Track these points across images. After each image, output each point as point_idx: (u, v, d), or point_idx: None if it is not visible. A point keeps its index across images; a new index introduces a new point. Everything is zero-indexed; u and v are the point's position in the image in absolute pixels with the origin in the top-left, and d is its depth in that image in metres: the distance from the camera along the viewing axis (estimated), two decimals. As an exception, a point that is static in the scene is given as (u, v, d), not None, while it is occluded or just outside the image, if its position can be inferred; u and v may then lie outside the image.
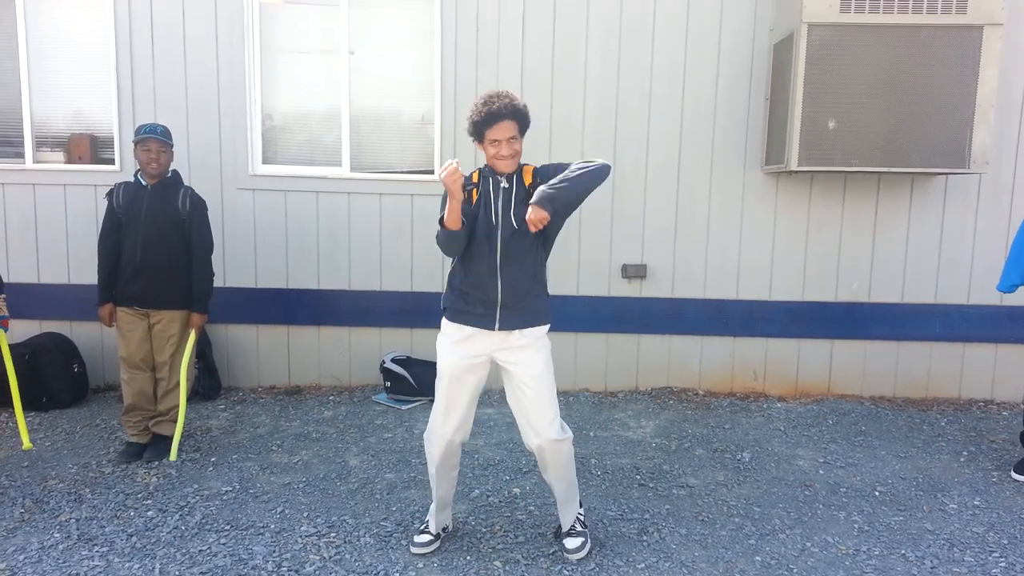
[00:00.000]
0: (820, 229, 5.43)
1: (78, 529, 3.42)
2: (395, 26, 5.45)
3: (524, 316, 3.05)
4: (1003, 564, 3.22)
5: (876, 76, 4.74)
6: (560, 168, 2.98)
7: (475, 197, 3.04)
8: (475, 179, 3.08)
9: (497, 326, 3.03)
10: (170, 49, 5.32)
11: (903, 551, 3.32)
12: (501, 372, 3.13)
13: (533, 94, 5.25)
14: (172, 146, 4.27)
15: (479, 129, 2.99)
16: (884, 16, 4.68)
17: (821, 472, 4.19)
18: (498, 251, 3.00)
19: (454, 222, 2.90)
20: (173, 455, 4.25)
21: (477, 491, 3.87)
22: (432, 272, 5.47)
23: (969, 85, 4.72)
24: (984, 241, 5.38)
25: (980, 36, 4.68)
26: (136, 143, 4.18)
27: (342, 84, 5.42)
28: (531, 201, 2.83)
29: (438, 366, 3.14)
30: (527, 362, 3.06)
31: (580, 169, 2.89)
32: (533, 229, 2.82)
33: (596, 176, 2.90)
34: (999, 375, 5.45)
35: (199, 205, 4.30)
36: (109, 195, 4.28)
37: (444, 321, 3.16)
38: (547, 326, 3.14)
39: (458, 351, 3.08)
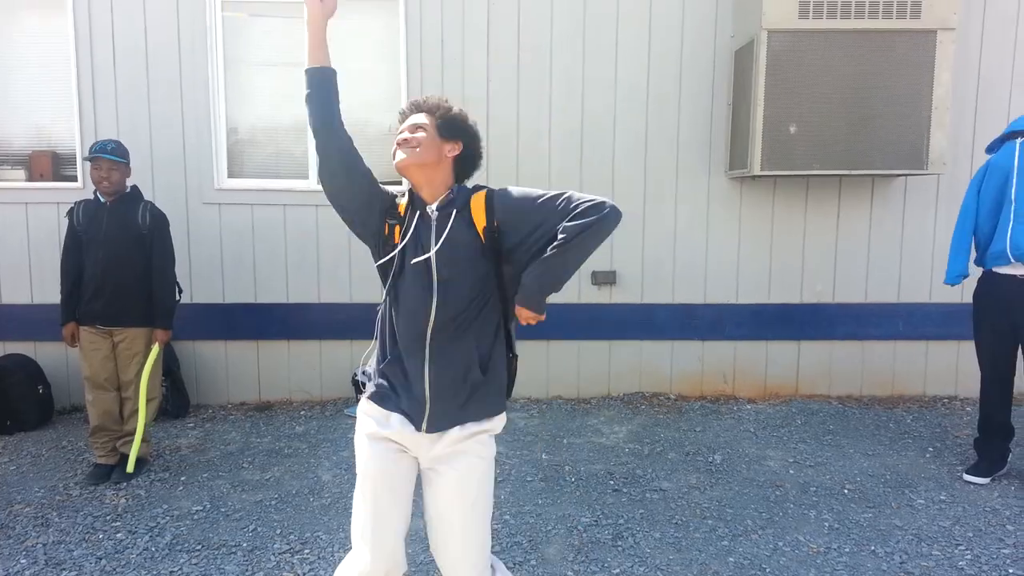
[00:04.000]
0: (784, 232, 5.51)
1: (45, 554, 3.36)
2: (360, 39, 5.44)
3: (462, 412, 2.16)
4: (969, 556, 3.29)
5: (835, 81, 4.83)
6: (529, 202, 2.10)
7: (397, 234, 2.15)
8: (401, 209, 2.19)
9: (425, 426, 2.14)
10: (132, 64, 5.27)
11: (873, 547, 3.38)
12: (423, 482, 2.26)
13: (499, 104, 5.28)
14: (126, 162, 4.19)
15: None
16: (842, 22, 4.77)
17: (791, 472, 4.25)
18: (430, 322, 2.09)
19: (314, 55, 2.21)
20: (130, 467, 4.17)
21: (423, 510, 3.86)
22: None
23: (925, 88, 4.84)
24: (943, 240, 5.47)
25: (934, 40, 4.80)
26: (88, 161, 4.15)
27: (307, 97, 5.40)
28: (517, 297, 2.10)
29: (358, 468, 2.22)
30: (456, 481, 2.17)
31: (579, 229, 2.01)
32: (524, 323, 2.14)
33: (602, 235, 2.06)
34: (962, 371, 5.55)
35: (159, 219, 4.26)
36: (69, 213, 4.23)
37: (363, 404, 2.25)
38: (499, 420, 2.24)
39: (379, 442, 2.18)
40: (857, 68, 4.83)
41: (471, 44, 5.33)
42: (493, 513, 3.69)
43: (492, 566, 2.30)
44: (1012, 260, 3.90)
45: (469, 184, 2.25)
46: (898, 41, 4.81)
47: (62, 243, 4.29)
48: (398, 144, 2.14)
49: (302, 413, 5.32)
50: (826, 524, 3.61)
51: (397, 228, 2.16)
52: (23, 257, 5.36)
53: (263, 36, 5.44)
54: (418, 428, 2.14)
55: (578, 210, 2.04)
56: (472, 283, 2.10)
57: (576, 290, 5.45)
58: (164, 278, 4.24)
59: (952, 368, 5.57)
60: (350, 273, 5.48)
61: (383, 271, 2.17)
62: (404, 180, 2.22)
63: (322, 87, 2.18)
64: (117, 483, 4.12)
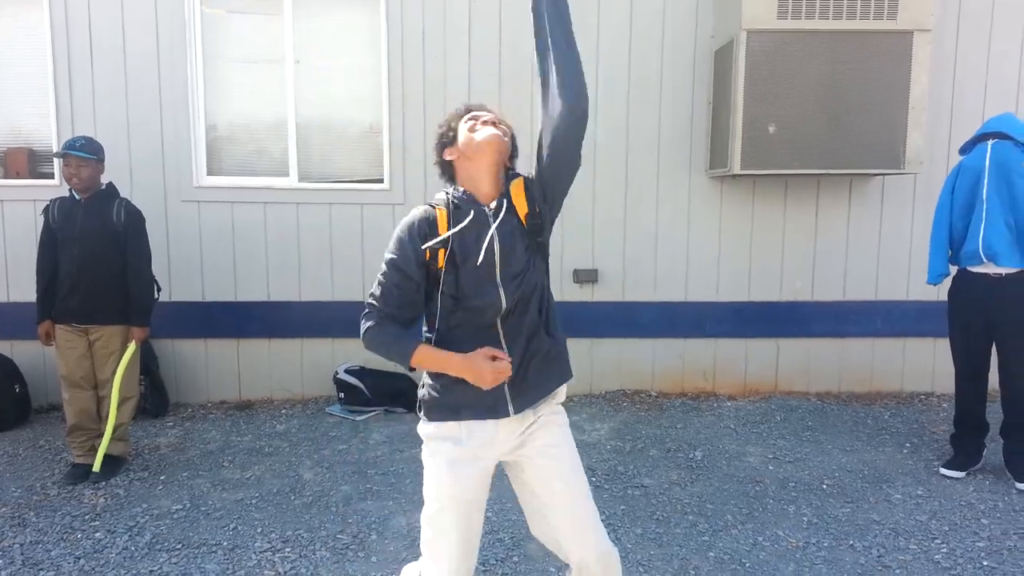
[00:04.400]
0: (764, 230, 5.56)
1: (22, 554, 3.33)
2: (340, 35, 5.42)
3: (544, 380, 2.21)
4: (945, 550, 3.33)
5: (814, 81, 4.88)
6: (538, 178, 2.22)
7: (442, 259, 2.12)
8: (441, 221, 2.14)
9: (511, 409, 2.16)
10: (110, 60, 5.22)
11: (851, 542, 3.42)
12: (508, 471, 2.32)
13: (481, 100, 5.28)
14: (97, 159, 4.16)
15: (452, 126, 2.22)
16: (820, 22, 4.82)
17: (770, 468, 4.29)
18: (502, 307, 2.12)
19: (427, 363, 2.14)
20: (96, 466, 4.12)
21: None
22: (384, 281, 5.44)
23: (902, 89, 4.89)
24: (920, 239, 5.55)
25: (911, 41, 4.85)
26: (59, 159, 4.12)
27: (288, 93, 5.38)
28: None
29: (430, 496, 2.20)
30: (553, 448, 2.21)
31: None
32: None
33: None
34: (938, 368, 5.61)
35: (134, 216, 4.22)
36: (45, 211, 4.20)
37: (426, 426, 2.23)
38: (565, 386, 2.30)
39: (460, 465, 2.16)
40: (835, 68, 4.88)
41: (452, 43, 5.33)
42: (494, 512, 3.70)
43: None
44: (984, 259, 3.97)
45: None
46: (875, 42, 4.87)
47: (38, 241, 4.24)
48: (483, 123, 2.16)
49: (283, 412, 5.30)
50: (805, 519, 3.65)
51: (441, 251, 2.13)
52: (-1, 255, 5.30)
53: (242, 32, 5.40)
54: (504, 415, 2.15)
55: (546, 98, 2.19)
56: (525, 263, 2.14)
57: (558, 288, 5.46)
58: (140, 276, 4.21)
59: (929, 365, 5.64)
60: (332, 271, 5.46)
61: (432, 286, 2.16)
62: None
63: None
64: (96, 483, 4.08)
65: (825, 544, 3.40)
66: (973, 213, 4.04)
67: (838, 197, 5.55)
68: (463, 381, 2.10)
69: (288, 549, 3.37)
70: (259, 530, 3.56)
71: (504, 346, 2.14)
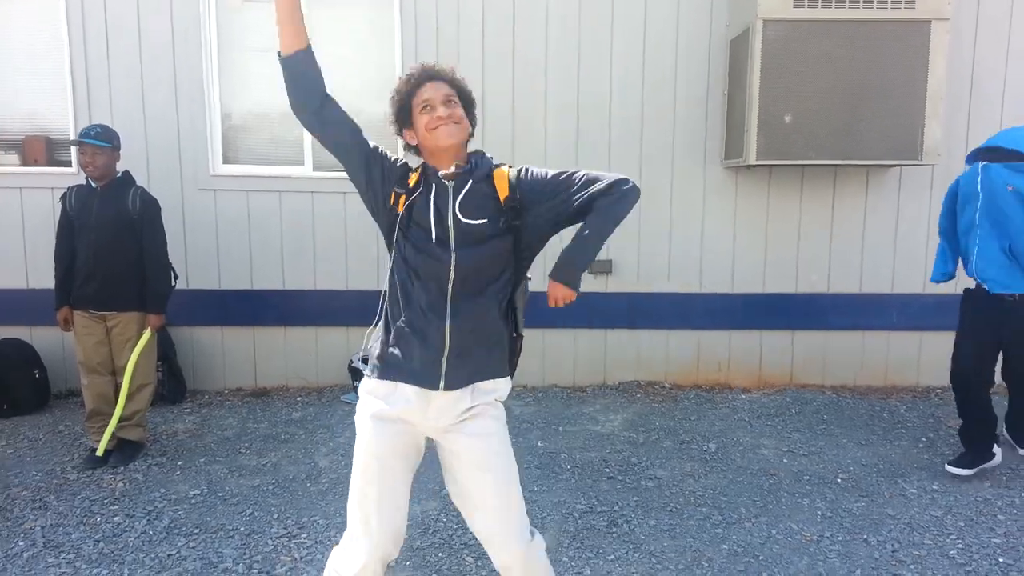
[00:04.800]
0: (779, 222, 5.53)
1: (43, 536, 3.38)
2: (355, 25, 5.42)
3: (482, 365, 2.18)
4: (960, 545, 3.32)
5: (830, 71, 4.84)
6: (551, 181, 2.18)
7: (402, 203, 2.16)
8: (411, 181, 2.19)
9: (443, 383, 2.14)
10: (126, 49, 5.24)
11: (865, 536, 3.41)
12: (441, 459, 2.28)
13: (494, 94, 5.28)
14: (112, 147, 4.17)
15: (404, 104, 2.20)
16: (836, 11, 4.77)
17: (785, 461, 4.28)
18: (450, 276, 2.11)
19: (287, 38, 2.25)
20: (100, 450, 4.15)
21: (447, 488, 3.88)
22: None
23: (919, 78, 4.84)
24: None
25: (928, 30, 4.80)
26: (75, 147, 4.16)
27: (304, 83, 5.38)
28: (552, 275, 2.14)
29: (356, 453, 2.21)
30: (480, 436, 2.18)
31: (609, 202, 2.13)
32: (553, 304, 2.16)
33: (628, 207, 2.18)
34: (954, 362, 5.59)
35: (149, 204, 4.24)
36: (62, 198, 4.24)
37: (366, 382, 2.24)
38: (505, 384, 2.25)
39: (383, 423, 2.17)
40: (852, 58, 4.83)
41: (465, 34, 5.32)
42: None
43: (532, 531, 2.26)
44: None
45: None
46: (892, 31, 4.82)
47: (56, 228, 4.28)
48: (442, 120, 2.13)
49: (299, 399, 5.33)
50: (819, 513, 3.65)
51: (403, 197, 2.16)
52: (18, 242, 5.35)
53: (258, 21, 5.41)
54: (435, 387, 2.13)
55: (603, 184, 2.14)
56: (490, 248, 2.13)
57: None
58: (155, 263, 4.24)
59: (946, 359, 5.55)
60: (346, 260, 5.48)
61: (390, 235, 2.19)
62: (401, 151, 2.33)
63: (298, 70, 2.28)
64: (114, 467, 4.13)
65: (839, 538, 3.40)
66: (970, 236, 4.00)
67: (855, 188, 5.51)
68: (407, 343, 2.14)
69: (304, 535, 3.41)
70: (275, 516, 3.59)
71: (447, 313, 2.11)
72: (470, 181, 2.16)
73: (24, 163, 5.37)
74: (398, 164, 2.24)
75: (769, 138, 4.91)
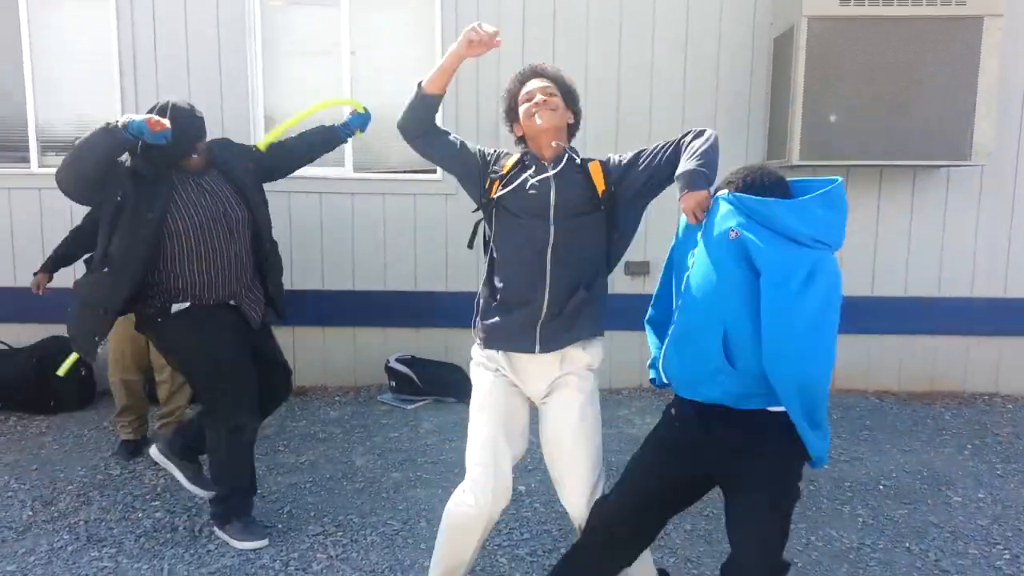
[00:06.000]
0: (823, 223, 5.42)
1: (87, 530, 3.46)
2: (396, 26, 5.46)
3: (575, 328, 2.44)
4: (1007, 556, 3.23)
5: (877, 69, 4.74)
6: (636, 161, 2.47)
7: (496, 187, 2.46)
8: (506, 168, 2.48)
9: (538, 347, 2.42)
10: (173, 52, 5.35)
11: (907, 544, 3.33)
12: (538, 415, 2.58)
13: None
14: None
15: (512, 97, 2.53)
16: (884, 8, 4.67)
17: (825, 466, 4.19)
18: (549, 245, 2.38)
19: (437, 82, 2.47)
20: (61, 371, 3.90)
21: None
22: (436, 272, 5.49)
23: (970, 77, 4.72)
24: (986, 233, 5.37)
25: (980, 27, 4.67)
26: None
27: (344, 84, 5.44)
28: (679, 184, 2.27)
29: (473, 401, 2.56)
30: (563, 403, 2.46)
31: (694, 136, 2.40)
32: (694, 220, 2.25)
33: (712, 140, 2.38)
34: (1003, 368, 5.44)
35: None
36: None
37: (476, 350, 2.60)
38: (597, 350, 2.55)
39: (497, 378, 2.52)
40: (899, 56, 4.73)
41: (507, 33, 5.30)
42: (524, 500, 3.72)
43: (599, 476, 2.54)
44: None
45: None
46: (942, 28, 4.70)
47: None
48: (537, 106, 2.41)
49: (336, 399, 5.38)
50: (860, 520, 3.57)
51: (497, 182, 2.46)
52: (67, 241, 5.48)
53: (300, 24, 5.48)
54: (531, 350, 2.41)
55: (680, 135, 2.45)
56: (585, 224, 2.42)
57: (610, 280, 5.41)
58: None
59: (994, 365, 5.46)
60: (385, 261, 5.52)
61: (488, 215, 2.49)
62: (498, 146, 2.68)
63: (421, 110, 2.52)
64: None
65: (880, 546, 3.32)
66: None
67: (901, 189, 5.39)
68: (500, 317, 2.45)
69: (340, 533, 3.44)
70: (312, 514, 3.63)
71: (547, 279, 2.38)
72: (566, 163, 2.45)
73: (73, 165, 5.50)
74: (495, 153, 2.57)
75: (813, 138, 4.82)
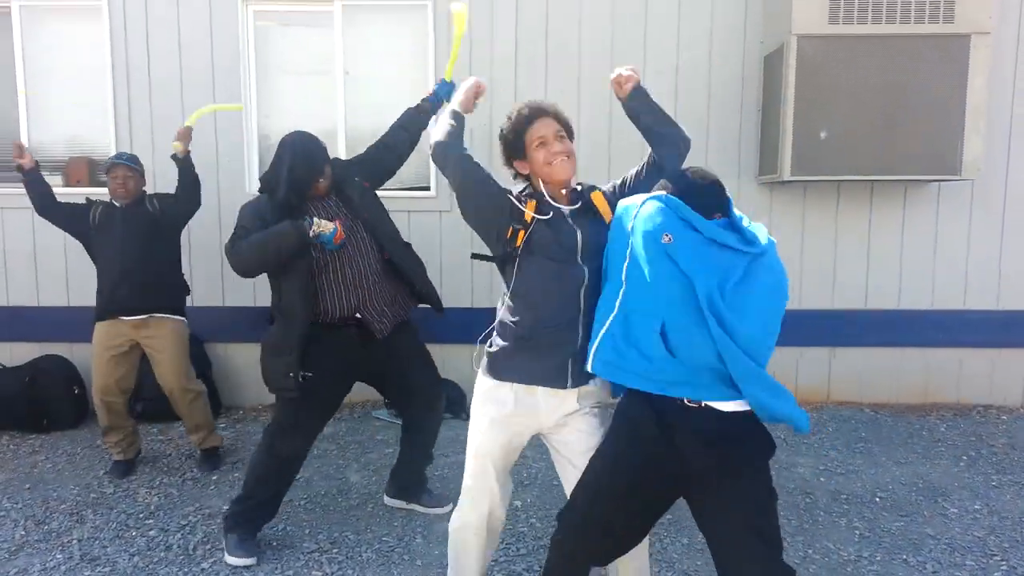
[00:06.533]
0: (815, 237, 5.46)
1: (80, 549, 3.43)
2: (389, 46, 5.50)
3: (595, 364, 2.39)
4: (1004, 568, 3.23)
5: (867, 86, 4.79)
6: (618, 185, 2.61)
7: (520, 238, 2.43)
8: (527, 216, 2.43)
9: (570, 381, 2.42)
10: (166, 72, 5.37)
11: (904, 556, 3.33)
12: (549, 447, 2.61)
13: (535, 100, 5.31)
14: (141, 173, 4.38)
15: (517, 137, 2.49)
16: (872, 27, 4.73)
17: (821, 479, 4.20)
18: (583, 285, 2.40)
19: (468, 104, 2.68)
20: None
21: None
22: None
23: (959, 93, 4.77)
24: (978, 246, 5.41)
25: (968, 45, 4.73)
26: (106, 172, 4.31)
27: (338, 104, 5.47)
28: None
29: (470, 442, 2.59)
30: (586, 434, 2.48)
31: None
32: (620, 90, 2.58)
33: (679, 129, 2.64)
34: (997, 380, 5.46)
35: (163, 195, 4.43)
36: (89, 203, 4.38)
37: (484, 381, 2.55)
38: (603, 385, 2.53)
39: (498, 425, 2.51)
40: (888, 73, 4.78)
41: (499, 53, 5.36)
42: (520, 515, 3.72)
43: None
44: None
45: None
46: (931, 46, 4.75)
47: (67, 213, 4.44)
48: (555, 156, 2.44)
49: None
50: (857, 532, 3.57)
51: (521, 232, 2.43)
52: (59, 261, 5.47)
53: (294, 44, 5.52)
54: (563, 385, 2.42)
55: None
56: (604, 255, 2.41)
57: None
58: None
59: (987, 376, 5.47)
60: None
61: (510, 261, 2.47)
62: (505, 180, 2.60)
63: (456, 135, 2.60)
64: (208, 472, 4.34)
65: (878, 558, 3.32)
66: None
67: (892, 204, 5.43)
68: (531, 356, 2.42)
69: (335, 550, 3.42)
70: (307, 531, 3.61)
71: (580, 317, 2.39)
72: (580, 203, 2.51)
73: (67, 184, 5.50)
74: (510, 198, 2.48)
75: (804, 154, 4.86)
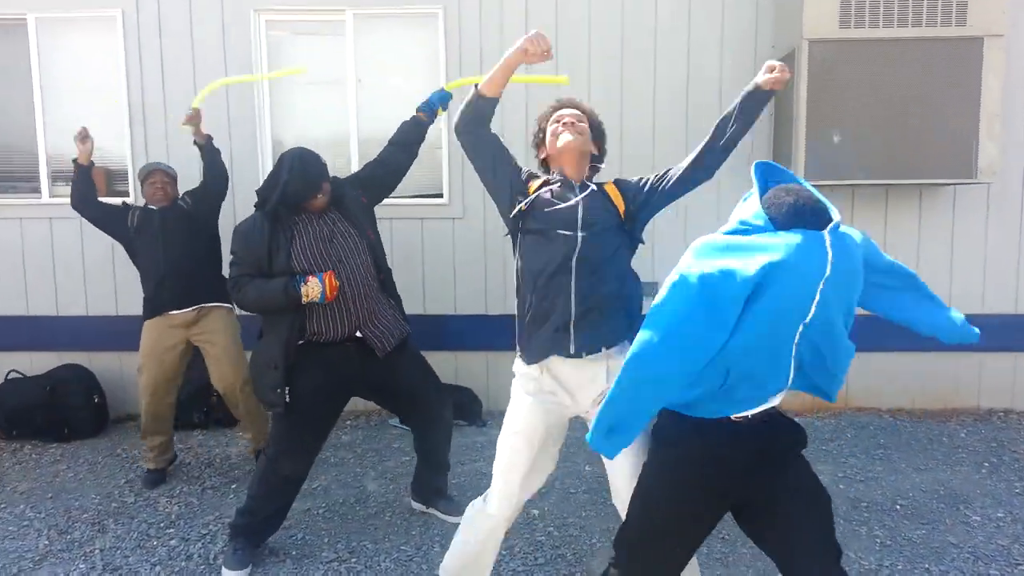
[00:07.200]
0: (830, 242, 5.43)
1: (102, 559, 3.46)
2: (400, 55, 5.52)
3: (606, 329, 2.51)
4: (1028, 575, 3.20)
5: (879, 90, 4.77)
6: (648, 185, 2.64)
7: (522, 206, 2.58)
8: (532, 189, 2.61)
9: (572, 347, 2.49)
10: (179, 82, 5.41)
11: (927, 565, 3.31)
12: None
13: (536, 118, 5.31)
14: (175, 178, 4.51)
15: (540, 129, 2.74)
16: (884, 30, 4.71)
17: (841, 487, 4.18)
18: (575, 254, 2.48)
19: (493, 86, 2.61)
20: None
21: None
22: (444, 295, 5.50)
23: (972, 96, 4.74)
24: (996, 250, 5.37)
25: (981, 47, 4.70)
26: (143, 180, 4.41)
27: (350, 112, 5.50)
28: (755, 87, 2.54)
29: (507, 421, 2.65)
30: None
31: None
32: (774, 82, 2.51)
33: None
34: (1019, 384, 5.42)
35: (194, 190, 4.52)
36: (126, 206, 4.45)
37: (518, 364, 2.66)
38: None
39: (536, 399, 2.58)
40: (901, 77, 4.76)
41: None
42: (537, 524, 3.71)
43: None
44: None
45: None
46: (943, 49, 4.73)
47: (115, 256, 4.52)
48: (564, 126, 2.59)
49: (348, 423, 5.38)
50: (878, 540, 3.55)
51: (524, 206, 2.57)
52: (78, 271, 5.52)
53: (306, 54, 5.55)
54: (567, 352, 2.48)
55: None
56: (609, 239, 2.53)
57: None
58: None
59: (1009, 381, 5.43)
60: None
61: (516, 235, 2.61)
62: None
63: (479, 111, 2.66)
64: None
65: (899, 567, 3.30)
66: None
67: (908, 208, 5.40)
68: (535, 329, 2.52)
69: (354, 559, 3.43)
70: (326, 540, 3.62)
71: (572, 284, 2.48)
72: (591, 187, 2.60)
73: (85, 194, 5.55)
74: (523, 174, 2.69)
75: (817, 158, 4.84)
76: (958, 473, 4.34)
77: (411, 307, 5.43)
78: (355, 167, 5.49)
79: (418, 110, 3.87)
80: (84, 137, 4.37)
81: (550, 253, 2.50)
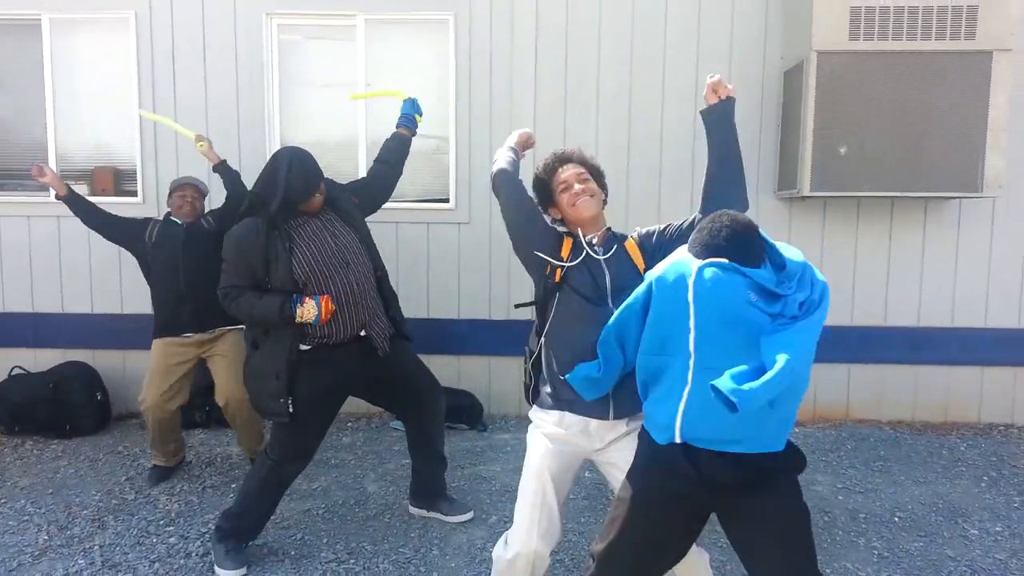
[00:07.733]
0: (834, 253, 5.44)
1: (102, 555, 3.47)
2: (410, 59, 5.55)
3: (634, 397, 2.46)
4: (1026, 590, 3.20)
5: (887, 102, 4.78)
6: (656, 238, 2.62)
7: (559, 275, 2.58)
8: (564, 252, 2.62)
9: (612, 413, 2.54)
10: (191, 84, 5.45)
11: (924, 577, 3.31)
12: (599, 466, 2.72)
13: (546, 122, 5.33)
14: (205, 194, 4.52)
15: (544, 186, 2.70)
16: (893, 43, 4.73)
17: (840, 498, 4.18)
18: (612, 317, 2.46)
19: (521, 145, 2.86)
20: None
21: (495, 517, 3.88)
22: (448, 299, 5.51)
23: (980, 110, 4.75)
24: (1000, 264, 5.37)
25: (989, 61, 4.71)
26: (173, 190, 4.40)
27: (359, 116, 5.52)
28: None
29: (526, 466, 2.66)
30: (629, 452, 2.47)
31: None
32: (714, 95, 2.81)
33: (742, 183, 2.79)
34: (1019, 398, 5.41)
35: (218, 211, 4.45)
36: (145, 220, 4.42)
37: (536, 412, 2.69)
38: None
39: (554, 445, 2.61)
40: (909, 90, 4.77)
41: (519, 64, 5.40)
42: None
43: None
44: None
45: None
46: (952, 62, 4.74)
47: (122, 254, 4.47)
48: (577, 196, 2.61)
49: (349, 425, 5.39)
50: (875, 552, 3.54)
51: (559, 270, 2.57)
52: (84, 268, 5.55)
53: (317, 57, 5.58)
54: (605, 417, 2.53)
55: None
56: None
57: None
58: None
59: (1009, 395, 5.42)
60: (397, 289, 5.50)
61: (548, 295, 2.61)
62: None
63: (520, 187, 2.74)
64: None
65: (897, 578, 3.30)
66: None
67: (913, 220, 5.40)
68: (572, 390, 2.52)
69: (352, 561, 3.44)
70: (325, 541, 3.63)
71: None
72: (615, 246, 2.61)
73: (92, 193, 5.58)
74: (551, 235, 2.67)
75: (824, 170, 4.85)
76: (957, 486, 4.33)
77: (415, 310, 5.49)
78: (364, 170, 5.52)
79: (398, 127, 3.93)
80: (40, 173, 4.33)
81: (587, 321, 2.50)
